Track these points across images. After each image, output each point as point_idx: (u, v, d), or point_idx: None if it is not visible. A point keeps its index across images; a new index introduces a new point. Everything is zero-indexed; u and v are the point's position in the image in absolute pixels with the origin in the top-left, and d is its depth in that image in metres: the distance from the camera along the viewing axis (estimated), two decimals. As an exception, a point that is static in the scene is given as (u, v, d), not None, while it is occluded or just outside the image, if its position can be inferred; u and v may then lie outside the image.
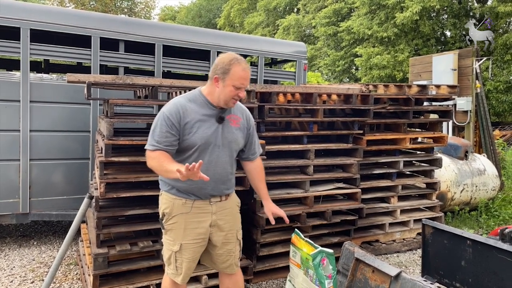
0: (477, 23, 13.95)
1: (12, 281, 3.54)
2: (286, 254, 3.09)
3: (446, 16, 15.61)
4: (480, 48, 13.29)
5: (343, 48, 18.86)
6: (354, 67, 19.46)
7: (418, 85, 4.59)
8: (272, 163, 3.60)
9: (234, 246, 2.53)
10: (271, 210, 2.62)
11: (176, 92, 4.13)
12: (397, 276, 2.47)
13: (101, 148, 3.10)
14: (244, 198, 2.98)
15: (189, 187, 2.31)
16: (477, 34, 13.12)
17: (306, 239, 2.69)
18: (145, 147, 2.31)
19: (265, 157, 3.32)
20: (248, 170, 2.65)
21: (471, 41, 12.62)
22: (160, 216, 2.44)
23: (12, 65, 6.02)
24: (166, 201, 2.39)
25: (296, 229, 2.85)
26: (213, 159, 2.34)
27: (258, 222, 3.40)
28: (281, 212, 2.63)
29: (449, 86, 4.74)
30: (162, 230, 2.44)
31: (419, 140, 4.99)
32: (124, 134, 3.18)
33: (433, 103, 5.57)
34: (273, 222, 2.60)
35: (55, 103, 4.38)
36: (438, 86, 4.76)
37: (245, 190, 3.27)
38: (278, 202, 3.52)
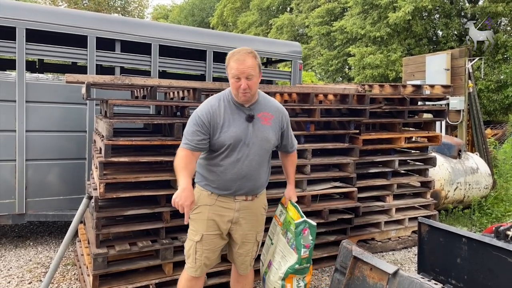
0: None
1: (9, 282, 3.53)
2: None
3: (437, 16, 15.71)
4: (480, 48, 13.36)
5: (336, 48, 18.91)
6: (347, 67, 19.51)
7: (413, 85, 4.64)
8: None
9: (252, 246, 2.60)
10: (289, 193, 2.82)
11: (173, 92, 4.15)
12: (395, 273, 2.50)
13: (100, 149, 3.10)
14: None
15: (216, 182, 2.41)
16: (477, 34, 13.18)
17: (297, 207, 2.73)
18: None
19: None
20: (284, 159, 2.81)
21: (470, 40, 12.64)
22: None
23: (7, 65, 5.97)
24: (195, 192, 2.47)
25: (291, 201, 2.84)
26: (241, 157, 2.39)
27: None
28: (295, 198, 2.81)
29: (443, 86, 4.79)
30: (189, 220, 2.52)
31: (414, 139, 5.05)
32: (122, 134, 3.18)
33: (427, 103, 5.63)
34: (285, 204, 2.80)
35: (51, 103, 4.37)
36: (432, 86, 4.81)
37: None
38: (276, 201, 3.55)
